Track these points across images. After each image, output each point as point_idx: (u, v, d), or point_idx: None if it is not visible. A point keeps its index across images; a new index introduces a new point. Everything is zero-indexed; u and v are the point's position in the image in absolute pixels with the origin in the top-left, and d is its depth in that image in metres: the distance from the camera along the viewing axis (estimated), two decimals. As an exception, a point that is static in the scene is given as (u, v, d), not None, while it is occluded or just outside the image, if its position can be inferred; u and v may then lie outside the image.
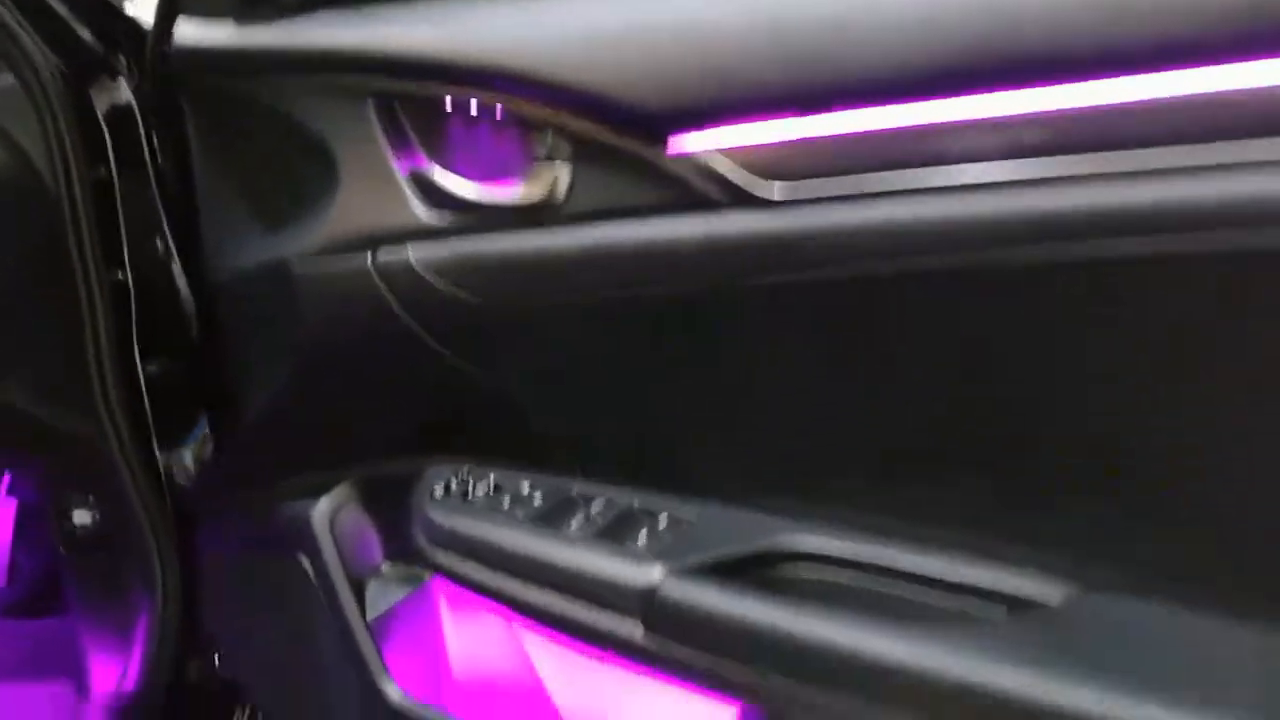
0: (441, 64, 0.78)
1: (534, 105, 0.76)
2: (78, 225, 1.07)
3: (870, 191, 0.65)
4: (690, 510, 0.79)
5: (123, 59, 1.11)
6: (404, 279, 0.84)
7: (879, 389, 0.71)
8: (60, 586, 1.46)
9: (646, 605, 0.73)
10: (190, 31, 0.91)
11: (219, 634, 1.20)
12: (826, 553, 0.73)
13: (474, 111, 0.80)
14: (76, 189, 1.06)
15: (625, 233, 0.74)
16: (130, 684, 1.23)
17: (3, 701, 1.36)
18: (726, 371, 0.76)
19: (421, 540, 0.89)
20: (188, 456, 1.27)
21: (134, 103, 1.09)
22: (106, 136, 1.08)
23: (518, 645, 0.97)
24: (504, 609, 0.85)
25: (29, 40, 1.00)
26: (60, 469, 1.24)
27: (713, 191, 0.69)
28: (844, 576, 0.72)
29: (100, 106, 1.08)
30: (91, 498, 1.25)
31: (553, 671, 0.95)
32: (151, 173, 1.14)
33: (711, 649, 0.71)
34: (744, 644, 0.69)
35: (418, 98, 0.83)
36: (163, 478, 1.22)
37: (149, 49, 1.05)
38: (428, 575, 1.04)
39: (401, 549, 1.04)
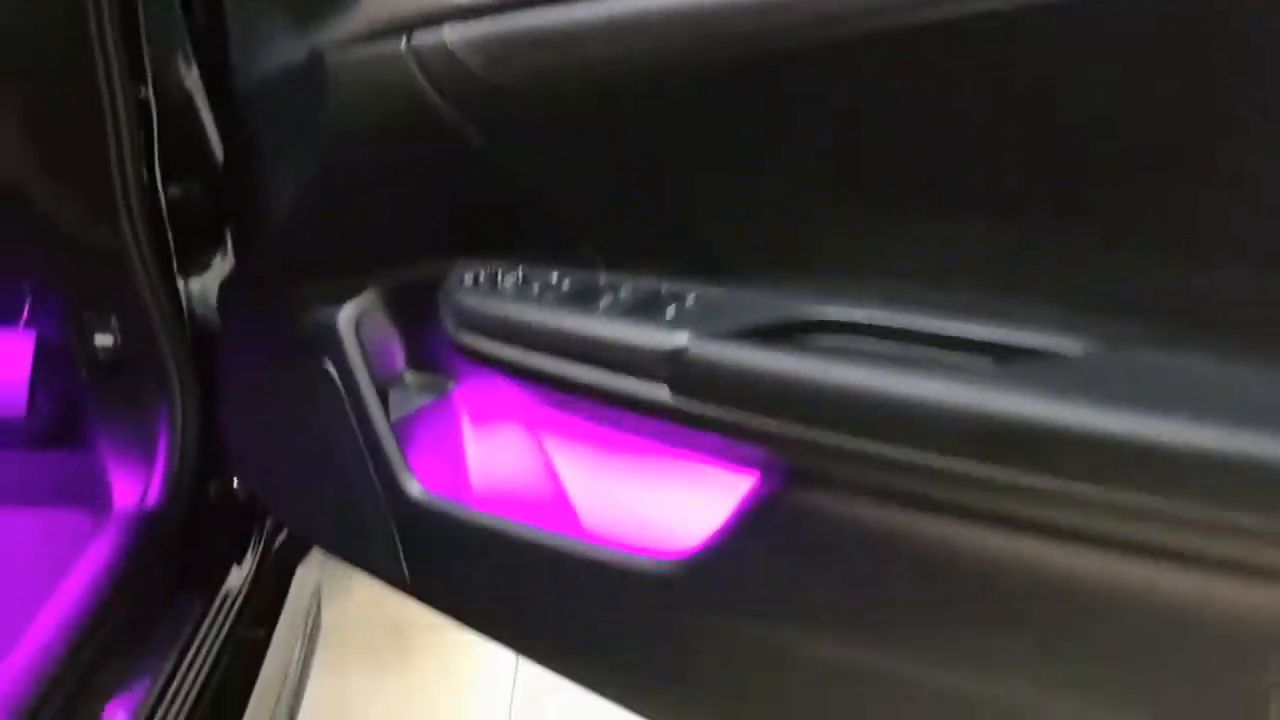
0: None
1: None
2: (104, 38, 1.07)
3: None
4: (717, 292, 0.81)
5: None
6: (439, 61, 0.84)
7: (899, 144, 0.71)
8: (77, 418, 1.49)
9: (673, 367, 0.75)
10: None
11: (238, 445, 1.23)
12: (851, 320, 0.74)
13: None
14: (104, 1, 1.06)
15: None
16: (152, 502, 1.25)
17: (24, 528, 1.39)
18: (752, 140, 0.76)
19: (450, 325, 0.90)
20: (207, 281, 1.29)
21: None
22: None
23: (537, 447, 1.00)
24: (530, 385, 0.87)
25: None
26: (83, 285, 1.25)
27: None
28: (869, 343, 0.74)
29: None
30: (114, 319, 1.27)
31: (570, 470, 0.98)
32: None
33: (737, 404, 0.73)
34: (770, 395, 0.71)
35: None
36: (183, 300, 1.24)
37: None
38: (450, 385, 1.06)
39: (424, 358, 1.06)
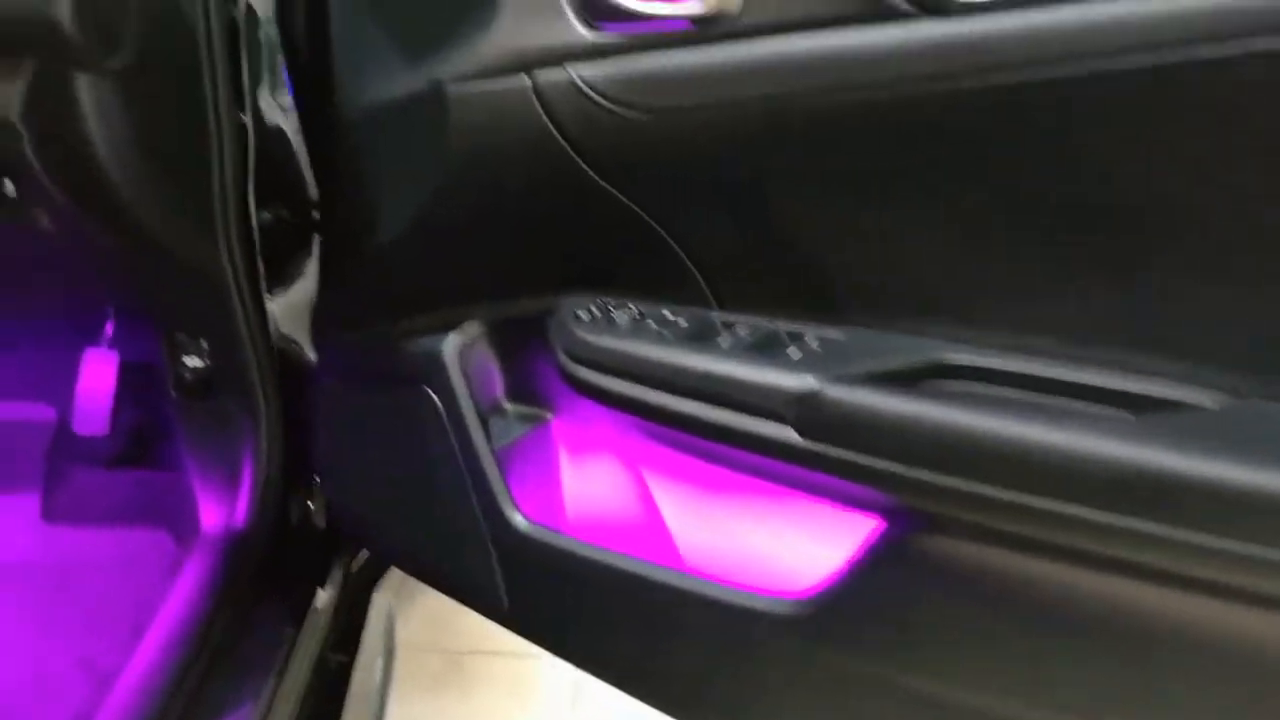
0: None
1: None
2: (213, 61, 1.09)
3: None
4: (838, 333, 0.81)
5: None
6: (565, 100, 0.85)
7: (1040, 199, 0.72)
8: (159, 439, 1.50)
9: (801, 409, 0.76)
10: None
11: (331, 470, 1.24)
12: (984, 366, 0.75)
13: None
14: (214, 23, 1.08)
15: (805, 44, 0.75)
16: (239, 524, 1.26)
17: (108, 548, 1.41)
18: (887, 188, 0.77)
19: (562, 359, 0.91)
20: (291, 303, 1.31)
21: None
22: None
23: (636, 480, 1.00)
24: (643, 421, 0.88)
25: None
26: (176, 307, 1.27)
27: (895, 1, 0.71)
28: (999, 390, 0.74)
29: None
30: (203, 341, 1.28)
31: (673, 504, 0.98)
32: (275, 12, 1.17)
33: (868, 449, 0.73)
34: (904, 441, 0.71)
35: None
36: (269, 321, 1.26)
37: None
38: (548, 416, 1.07)
39: (524, 389, 1.07)
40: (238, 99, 1.15)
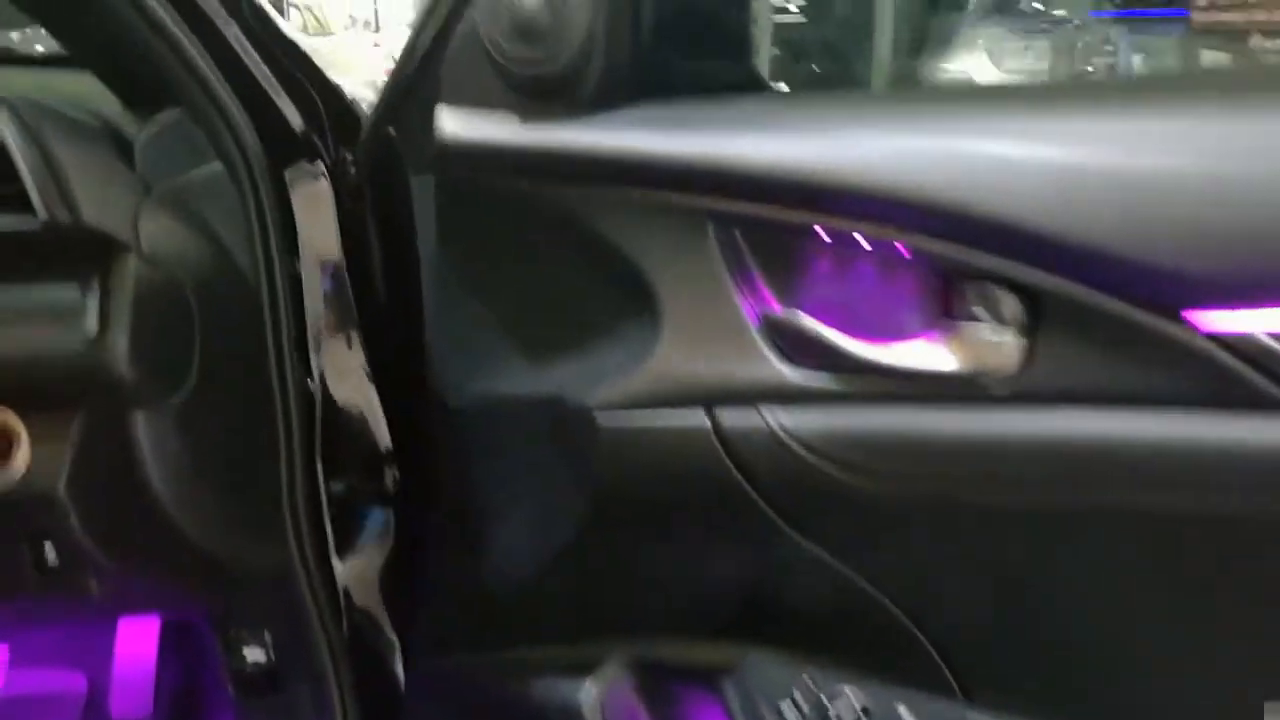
0: (833, 189, 0.61)
1: (971, 251, 0.58)
2: (277, 324, 0.91)
3: None
4: None
5: (324, 139, 0.96)
6: (757, 447, 0.68)
7: None
8: (205, 706, 1.30)
9: None
10: (457, 124, 0.74)
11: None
12: None
13: (865, 248, 0.63)
14: (279, 283, 0.90)
15: (1111, 427, 0.57)
16: None
17: None
18: (1201, 614, 0.59)
19: None
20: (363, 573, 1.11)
21: (330, 187, 0.94)
22: (299, 225, 0.92)
23: None
24: None
25: (244, 127, 0.84)
26: (238, 606, 1.08)
27: (1265, 389, 0.52)
28: None
29: (294, 190, 0.92)
30: (267, 633, 1.09)
31: None
32: (344, 268, 0.98)
33: None
34: None
35: (776, 227, 0.66)
36: (341, 603, 1.06)
37: (367, 133, 0.89)
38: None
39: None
40: (304, 363, 0.96)
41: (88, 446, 0.87)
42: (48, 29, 0.88)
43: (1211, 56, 2.82)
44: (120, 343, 0.83)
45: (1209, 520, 0.57)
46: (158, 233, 0.87)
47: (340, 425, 1.02)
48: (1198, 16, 2.94)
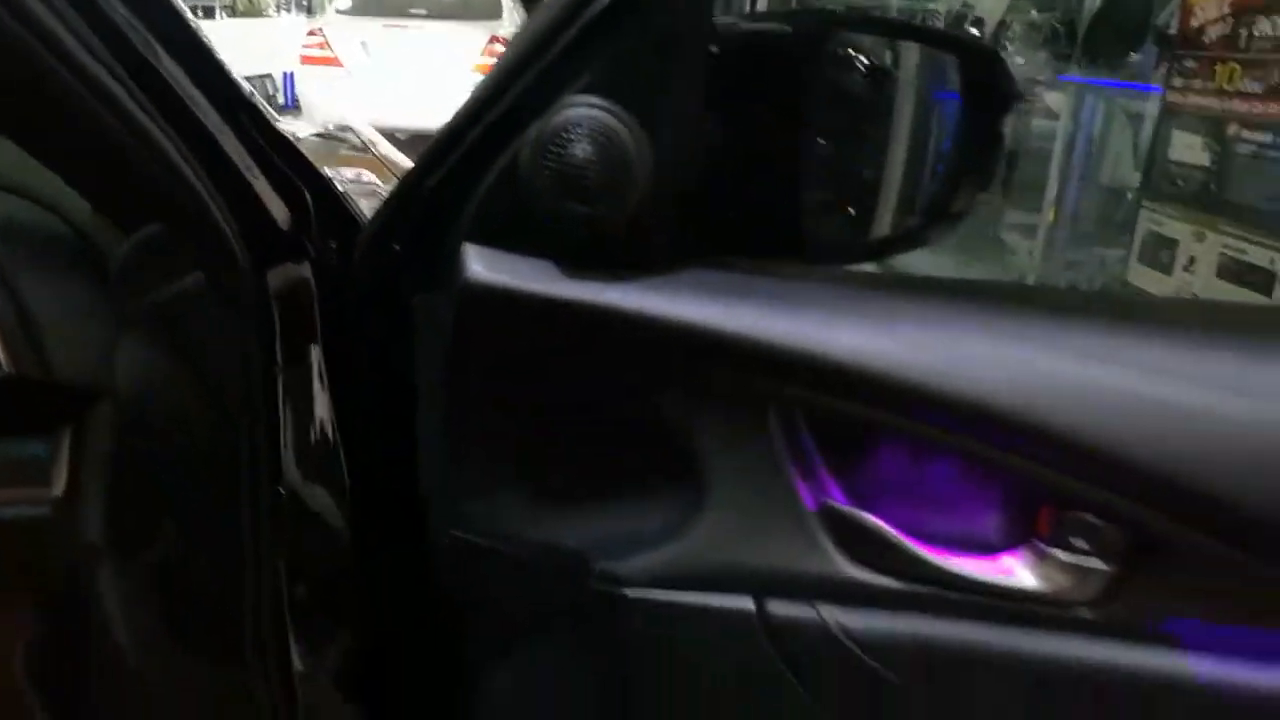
0: (934, 398, 0.58)
1: (1073, 480, 0.55)
2: (254, 437, 0.83)
3: None
4: None
5: (308, 236, 0.89)
6: (811, 644, 0.63)
7: None
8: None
9: None
10: (487, 267, 0.69)
11: None
12: None
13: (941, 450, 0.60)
14: (256, 392, 0.83)
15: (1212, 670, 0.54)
16: None
17: None
18: None
19: None
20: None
21: (311, 287, 0.87)
22: (277, 326, 0.86)
23: None
24: None
25: (233, 238, 0.77)
26: None
27: None
28: None
29: (276, 291, 0.85)
30: None
31: None
32: (323, 373, 0.92)
33: None
34: None
35: (845, 416, 0.62)
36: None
37: (367, 241, 0.83)
38: None
39: None
40: (275, 470, 0.90)
41: (48, 625, 0.79)
42: (12, 138, 0.79)
43: (1182, 139, 2.69)
44: (91, 504, 0.76)
45: None
46: (137, 370, 0.79)
47: (306, 533, 0.95)
48: (1172, 97, 2.79)
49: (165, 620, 0.82)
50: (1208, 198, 2.66)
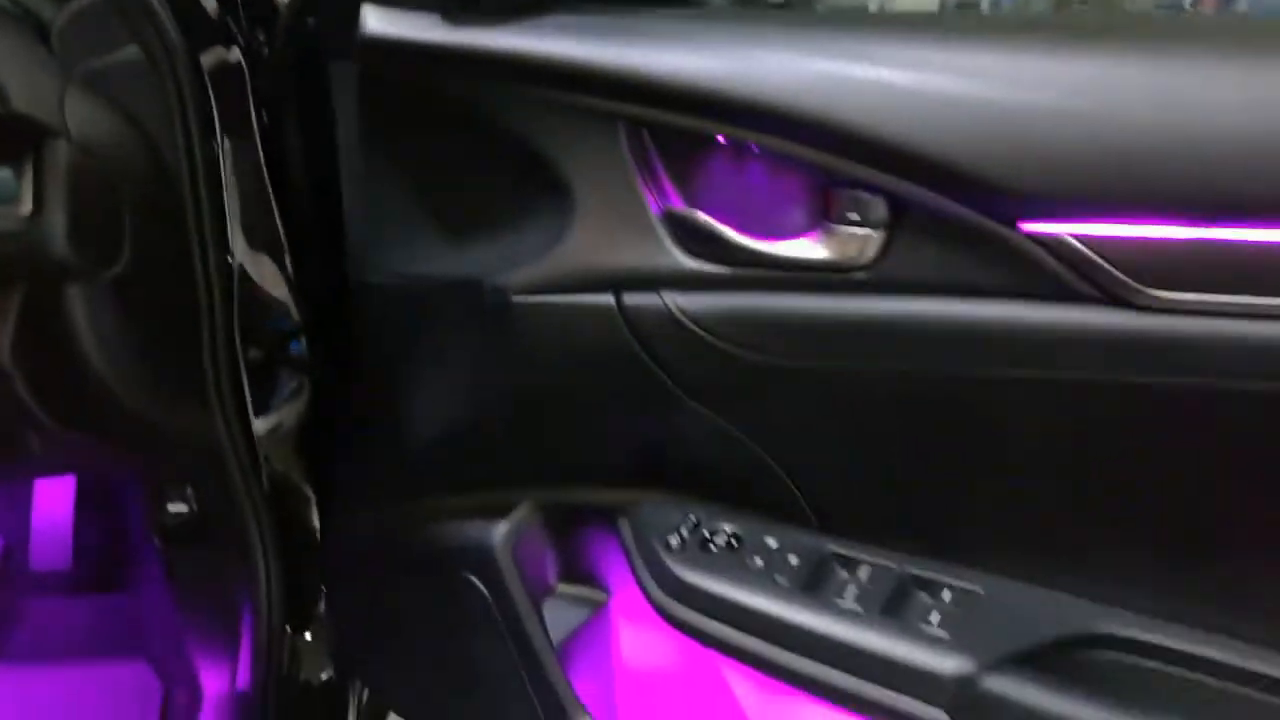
0: (738, 104, 0.71)
1: (846, 161, 0.69)
2: (198, 203, 0.96)
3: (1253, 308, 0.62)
4: (971, 582, 0.77)
5: (238, 24, 0.99)
6: (657, 326, 0.78)
7: (1188, 494, 0.70)
8: (126, 560, 1.38)
9: (957, 697, 0.71)
10: (381, 21, 0.80)
11: (358, 648, 1.14)
12: (1136, 639, 0.71)
13: (758, 155, 0.73)
14: (199, 164, 0.95)
15: (952, 310, 0.69)
16: (241, 684, 1.17)
17: (84, 681, 1.29)
18: (1030, 463, 0.73)
19: (656, 592, 0.84)
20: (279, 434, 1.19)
21: (245, 72, 0.98)
22: (214, 108, 0.97)
23: (714, 674, 0.95)
24: (760, 672, 0.82)
25: (164, 15, 0.87)
26: (162, 463, 1.14)
27: (1074, 283, 0.65)
28: (1155, 665, 0.71)
29: (210, 75, 0.96)
30: (189, 488, 1.17)
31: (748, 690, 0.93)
32: (259, 148, 1.03)
33: None
34: None
35: (681, 131, 0.75)
36: (260, 459, 1.15)
37: (286, 21, 0.94)
38: (604, 598, 1.00)
39: (579, 571, 1.00)
40: (223, 241, 1.02)
41: (28, 318, 0.91)
42: None
43: None
44: (55, 222, 0.87)
45: (1024, 382, 0.70)
46: (84, 118, 0.90)
47: (257, 298, 1.08)
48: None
49: (124, 331, 0.96)
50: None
